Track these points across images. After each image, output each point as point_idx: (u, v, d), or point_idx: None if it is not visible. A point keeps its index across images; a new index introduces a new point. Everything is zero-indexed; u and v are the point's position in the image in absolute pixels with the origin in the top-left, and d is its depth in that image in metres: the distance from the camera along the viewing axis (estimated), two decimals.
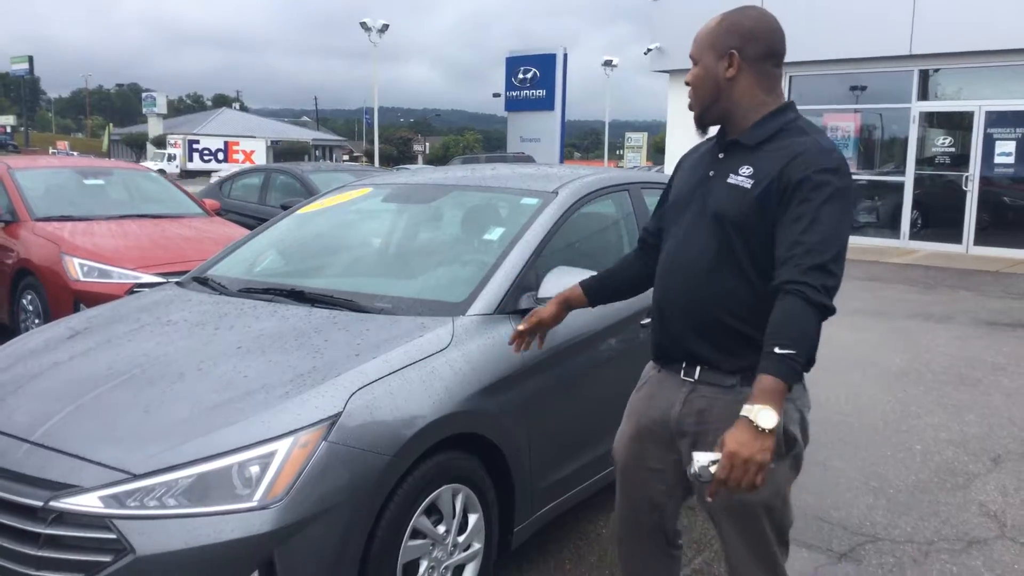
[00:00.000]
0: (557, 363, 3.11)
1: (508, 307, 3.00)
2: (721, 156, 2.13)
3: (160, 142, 56.30)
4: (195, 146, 33.14)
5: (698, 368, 2.11)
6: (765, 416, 1.76)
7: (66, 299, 5.66)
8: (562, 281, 3.00)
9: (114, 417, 2.40)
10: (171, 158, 38.54)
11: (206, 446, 2.26)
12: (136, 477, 2.21)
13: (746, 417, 1.78)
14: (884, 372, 6.29)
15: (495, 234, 3.36)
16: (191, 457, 2.24)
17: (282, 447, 2.27)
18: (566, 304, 2.48)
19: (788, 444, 2.03)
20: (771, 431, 1.76)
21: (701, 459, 1.83)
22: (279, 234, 3.95)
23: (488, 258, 3.19)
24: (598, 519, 3.66)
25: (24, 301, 6.10)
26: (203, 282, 3.50)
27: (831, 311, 1.88)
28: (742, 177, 2.03)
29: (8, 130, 68.58)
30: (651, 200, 4.05)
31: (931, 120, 14.60)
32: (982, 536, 3.61)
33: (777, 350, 1.82)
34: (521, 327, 2.48)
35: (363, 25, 37.78)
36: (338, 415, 2.37)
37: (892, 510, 3.83)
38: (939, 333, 7.68)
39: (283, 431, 2.30)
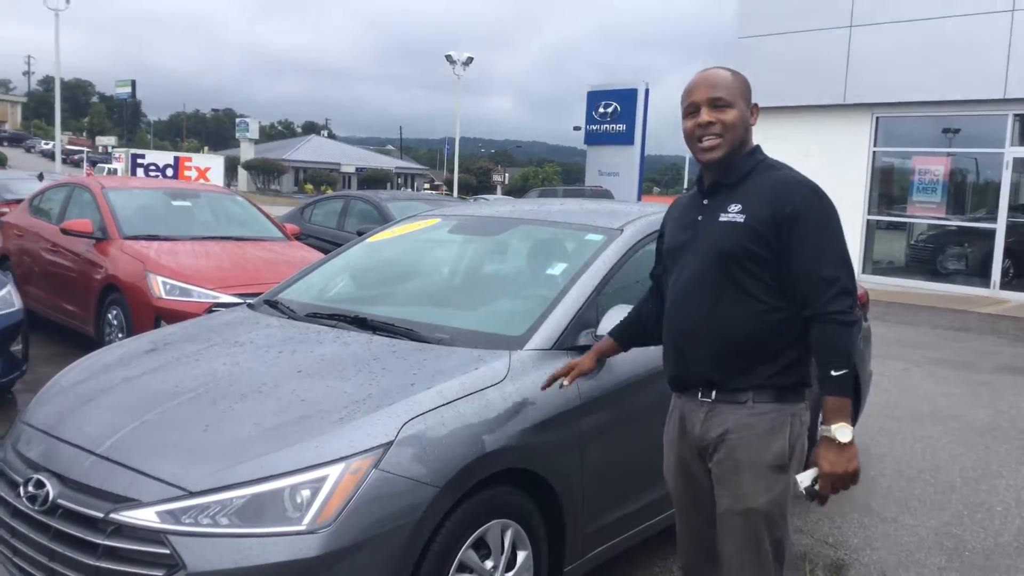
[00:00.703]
0: (616, 401, 3.07)
1: (567, 343, 2.98)
2: (706, 202, 2.35)
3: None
4: (139, 161, 33.28)
5: (714, 391, 2.31)
6: (842, 432, 2.12)
7: (148, 315, 5.88)
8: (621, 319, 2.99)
9: (176, 434, 2.47)
10: (112, 172, 39.08)
11: (260, 467, 2.31)
12: (192, 495, 2.27)
13: (827, 437, 2.13)
14: (966, 427, 6.01)
15: (557, 269, 3.36)
16: (245, 478, 2.28)
17: (334, 472, 2.30)
18: (599, 355, 2.75)
19: (790, 456, 2.27)
20: (850, 443, 2.12)
21: (804, 479, 2.16)
22: (348, 261, 4.03)
23: (549, 293, 3.19)
24: (652, 564, 3.58)
25: (110, 316, 6.36)
26: (273, 305, 3.59)
27: (860, 322, 2.22)
28: (733, 213, 2.25)
29: (110, 150, 72.08)
30: None
31: None
32: None
33: (833, 373, 2.14)
34: (555, 372, 2.70)
35: (448, 58, 38.58)
36: (390, 443, 2.39)
37: (965, 573, 3.64)
38: (1018, 385, 7.31)
39: (335, 457, 2.33)
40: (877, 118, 15.19)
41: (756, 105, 2.34)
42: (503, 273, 3.75)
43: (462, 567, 2.54)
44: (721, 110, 2.27)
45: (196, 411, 2.57)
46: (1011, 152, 13.83)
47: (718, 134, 2.27)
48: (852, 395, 2.17)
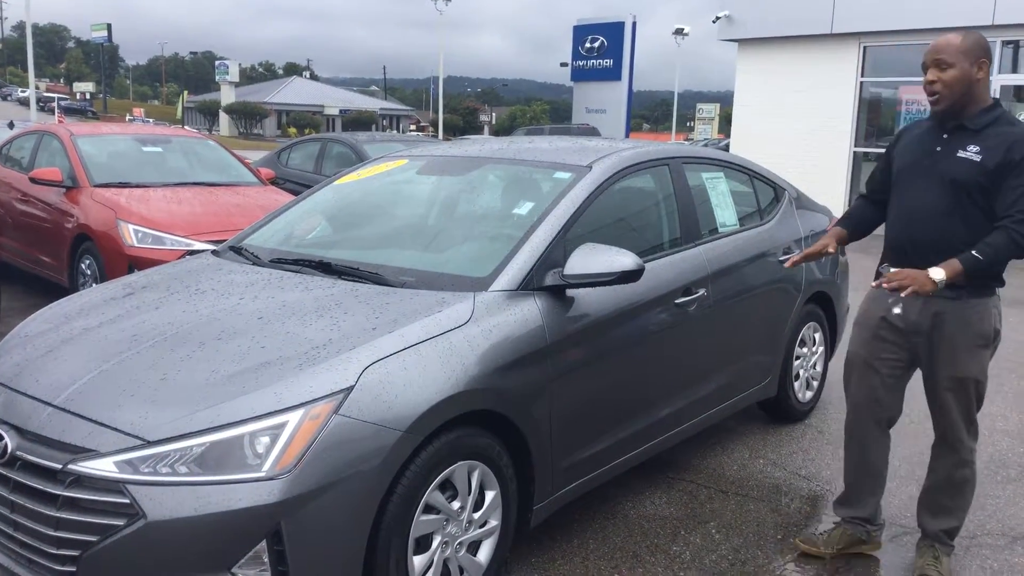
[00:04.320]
0: (584, 341, 3.05)
1: (533, 284, 2.95)
2: (946, 136, 2.89)
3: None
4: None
5: None
6: (936, 272, 2.72)
7: (121, 264, 5.81)
8: (589, 259, 2.96)
9: (133, 384, 2.44)
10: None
11: (219, 415, 2.28)
12: (150, 444, 2.25)
13: (925, 271, 2.74)
14: None
15: (524, 209, 3.30)
16: (204, 426, 2.26)
17: (293, 419, 2.28)
18: (838, 240, 3.24)
19: (994, 336, 2.95)
20: (936, 281, 2.71)
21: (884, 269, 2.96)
22: (315, 204, 3.97)
23: (516, 233, 3.14)
24: (626, 498, 3.62)
25: (83, 265, 6.29)
26: (238, 251, 3.54)
27: (1023, 249, 2.74)
28: (971, 152, 2.82)
29: (87, 97, 70.75)
30: (692, 175, 3.95)
31: (1018, 94, 13.91)
32: None
33: (974, 252, 2.73)
34: (806, 252, 3.22)
35: None
36: (350, 388, 2.37)
37: None
38: (1008, 316, 7.31)
39: (294, 403, 2.31)
40: (864, 47, 14.97)
41: (984, 61, 2.85)
42: (470, 213, 3.69)
43: (429, 508, 2.54)
44: (948, 70, 2.82)
45: (154, 360, 2.54)
46: (999, 80, 13.67)
47: (942, 90, 2.84)
48: (969, 271, 2.73)
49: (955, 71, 2.81)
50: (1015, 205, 2.73)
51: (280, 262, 3.29)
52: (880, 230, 3.23)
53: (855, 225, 3.28)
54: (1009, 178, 2.74)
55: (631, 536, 3.31)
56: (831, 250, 3.19)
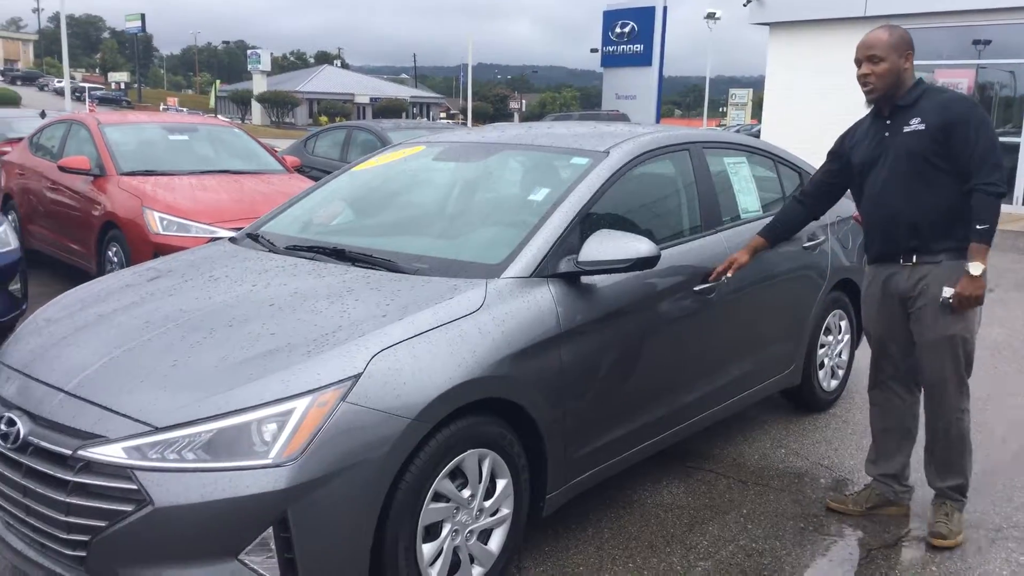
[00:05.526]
0: (598, 329, 3.01)
1: (547, 270, 2.91)
2: (888, 122, 3.18)
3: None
4: None
5: (914, 255, 3.14)
6: (975, 268, 2.98)
7: (147, 251, 5.85)
8: (604, 245, 2.92)
9: (144, 370, 2.44)
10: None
11: (227, 402, 2.28)
12: (158, 430, 2.25)
13: (966, 271, 2.99)
14: (976, 346, 5.90)
15: (540, 195, 3.26)
16: (211, 412, 2.26)
17: (300, 406, 2.27)
18: (753, 250, 3.51)
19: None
20: (980, 275, 2.98)
21: (947, 292, 3.06)
22: (332, 191, 3.95)
23: (531, 219, 3.10)
24: (642, 487, 3.58)
25: (110, 253, 6.35)
26: (255, 238, 3.54)
27: (1004, 193, 2.99)
28: (915, 124, 3.09)
29: (122, 87, 71.67)
30: (713, 160, 3.88)
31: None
32: None
33: (978, 226, 2.96)
34: (718, 269, 3.43)
35: None
36: (358, 376, 2.35)
37: None
38: (1020, 300, 7.16)
39: (302, 390, 2.29)
40: None
41: (910, 53, 3.15)
42: (485, 200, 3.66)
43: (438, 496, 2.52)
44: (878, 64, 3.10)
45: (165, 346, 2.54)
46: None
47: (874, 81, 3.12)
48: (989, 243, 2.97)
49: (886, 64, 3.10)
50: (977, 168, 2.98)
51: (295, 249, 3.29)
52: None
53: (782, 229, 3.57)
54: (957, 143, 3.00)
55: (647, 526, 3.27)
56: (743, 261, 3.44)
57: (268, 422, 2.26)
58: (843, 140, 3.41)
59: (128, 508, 2.20)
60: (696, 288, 3.44)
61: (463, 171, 3.81)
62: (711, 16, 49.24)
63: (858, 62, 3.17)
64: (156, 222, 5.96)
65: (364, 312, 2.62)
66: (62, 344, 2.70)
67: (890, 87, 3.12)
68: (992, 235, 2.98)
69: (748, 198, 4.02)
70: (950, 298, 3.04)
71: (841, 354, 4.67)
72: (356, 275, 2.92)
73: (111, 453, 2.24)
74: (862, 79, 3.15)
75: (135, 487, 2.19)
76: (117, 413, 2.32)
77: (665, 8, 26.85)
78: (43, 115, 12.01)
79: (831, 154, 3.47)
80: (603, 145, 3.47)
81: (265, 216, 3.85)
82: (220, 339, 2.55)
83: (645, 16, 27.09)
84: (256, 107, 65.82)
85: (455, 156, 3.92)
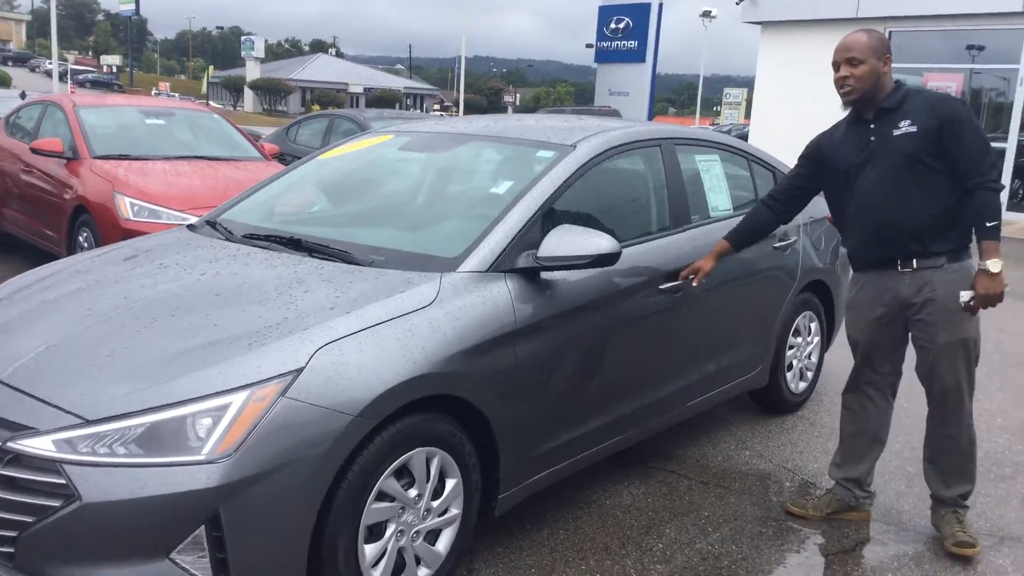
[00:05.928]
0: (558, 326, 2.95)
1: (504, 265, 2.85)
2: (873, 125, 3.11)
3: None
4: None
5: (914, 260, 3.07)
6: (994, 265, 2.90)
7: (116, 237, 5.74)
8: (564, 241, 2.86)
9: (79, 359, 2.37)
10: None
11: (161, 394, 2.21)
12: (90, 423, 2.18)
13: (982, 269, 2.92)
14: None
15: (502, 188, 3.19)
16: (145, 405, 2.19)
17: (236, 400, 2.20)
18: (717, 256, 3.44)
19: None
20: (999, 273, 2.90)
21: (964, 296, 2.97)
22: (295, 179, 3.88)
23: (491, 212, 3.03)
24: (602, 488, 3.53)
25: (80, 238, 6.25)
26: (213, 226, 3.46)
27: (1002, 187, 2.98)
28: (905, 126, 3.03)
29: (114, 70, 71.09)
30: (684, 157, 3.82)
31: None
32: (1017, 533, 3.32)
33: (987, 224, 2.91)
34: (683, 273, 3.40)
35: None
36: (300, 370, 2.28)
37: (924, 498, 3.54)
38: (1019, 312, 7.14)
39: (240, 384, 2.23)
40: (890, 32, 14.61)
41: (888, 56, 3.11)
42: (448, 192, 3.59)
43: (383, 495, 2.46)
44: (857, 67, 3.05)
45: (103, 335, 2.47)
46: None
47: (853, 83, 3.07)
48: (999, 240, 2.92)
49: (865, 67, 3.06)
50: (974, 167, 2.94)
51: (251, 238, 3.21)
52: None
53: (748, 234, 3.50)
54: (950, 142, 2.96)
55: (604, 527, 3.21)
56: (707, 269, 3.39)
57: (203, 416, 2.19)
58: (818, 145, 3.34)
59: (56, 503, 2.12)
60: (661, 287, 3.38)
61: (428, 162, 3.74)
62: (706, 14, 49.17)
63: (836, 65, 3.12)
64: (127, 207, 5.87)
65: (312, 304, 2.55)
66: (2, 331, 2.63)
67: (869, 90, 3.07)
68: (1000, 231, 2.92)
69: (719, 197, 3.96)
70: (970, 300, 2.95)
71: (810, 356, 4.63)
72: (309, 266, 2.85)
73: (40, 446, 2.17)
74: (840, 82, 3.10)
75: (63, 481, 2.12)
76: (49, 404, 2.24)
77: (660, 5, 26.72)
78: (23, 96, 11.87)
79: (803, 158, 3.40)
80: (571, 139, 3.40)
81: (226, 203, 3.77)
82: (161, 329, 2.47)
83: (640, 12, 26.98)
84: (248, 94, 65.40)
85: (422, 146, 3.84)
